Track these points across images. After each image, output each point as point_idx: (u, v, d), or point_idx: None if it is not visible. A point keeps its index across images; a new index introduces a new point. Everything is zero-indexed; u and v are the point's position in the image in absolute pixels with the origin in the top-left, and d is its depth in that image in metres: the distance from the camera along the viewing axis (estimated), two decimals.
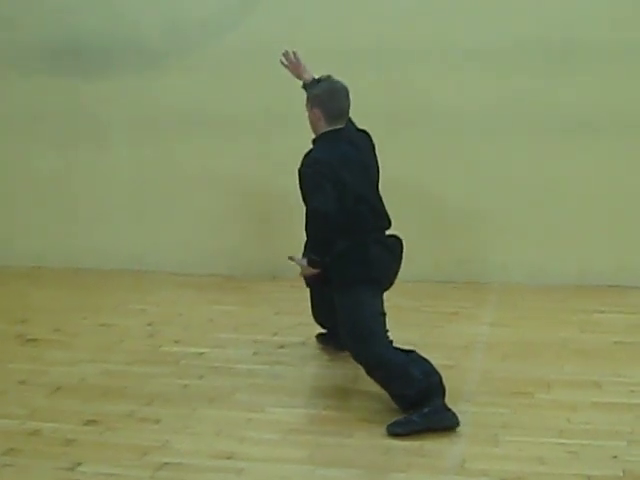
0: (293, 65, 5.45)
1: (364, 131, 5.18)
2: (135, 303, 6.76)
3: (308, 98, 5.08)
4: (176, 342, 5.82)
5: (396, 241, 5.01)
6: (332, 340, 5.50)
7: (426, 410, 4.46)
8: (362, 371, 4.70)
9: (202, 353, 5.58)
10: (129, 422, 4.60)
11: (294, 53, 5.44)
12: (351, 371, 5.15)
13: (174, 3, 7.45)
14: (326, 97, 4.98)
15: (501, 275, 7.05)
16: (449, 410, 4.49)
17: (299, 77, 5.42)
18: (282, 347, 5.69)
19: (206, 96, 7.37)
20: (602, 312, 6.27)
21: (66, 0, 7.58)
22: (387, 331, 4.78)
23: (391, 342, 4.73)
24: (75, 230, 7.83)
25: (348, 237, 4.80)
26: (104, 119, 7.64)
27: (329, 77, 5.08)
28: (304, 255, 4.83)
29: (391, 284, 4.98)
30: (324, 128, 4.99)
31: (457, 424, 4.46)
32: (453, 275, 7.11)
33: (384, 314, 4.82)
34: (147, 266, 7.63)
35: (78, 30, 7.58)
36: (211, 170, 7.47)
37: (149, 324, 6.21)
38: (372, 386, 4.77)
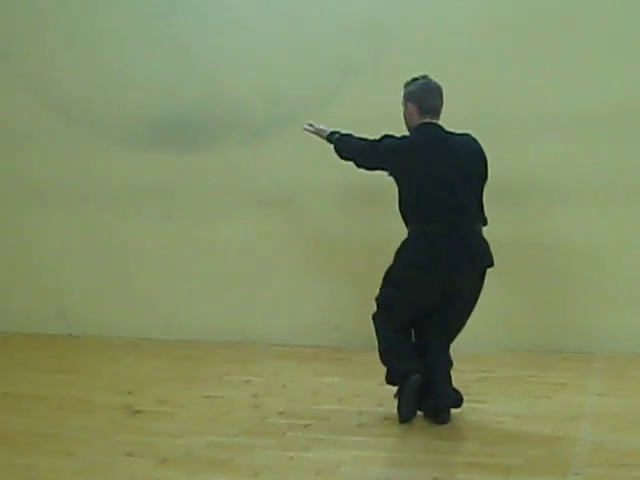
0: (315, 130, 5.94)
1: (467, 134, 5.46)
2: (239, 374, 6.79)
3: (404, 95, 5.45)
4: (281, 413, 5.82)
5: (456, 233, 5.19)
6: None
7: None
8: (469, 443, 4.62)
9: (307, 425, 5.56)
10: None
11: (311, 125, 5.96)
12: (458, 443, 5.09)
13: (273, 77, 7.58)
14: (420, 93, 5.38)
15: (609, 344, 6.93)
16: None
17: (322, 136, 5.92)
18: (387, 419, 5.63)
19: (305, 170, 7.48)
20: None
21: (170, 76, 7.80)
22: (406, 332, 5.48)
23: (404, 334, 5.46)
24: (178, 302, 7.95)
25: (411, 224, 5.33)
26: (206, 192, 7.81)
27: (425, 76, 5.44)
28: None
29: (445, 278, 5.24)
30: (417, 122, 5.35)
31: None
32: (560, 345, 7.01)
33: (410, 313, 5.41)
34: (249, 337, 7.69)
35: (181, 106, 7.78)
36: (312, 243, 7.54)
37: (254, 395, 6.22)
38: (478, 457, 4.72)
